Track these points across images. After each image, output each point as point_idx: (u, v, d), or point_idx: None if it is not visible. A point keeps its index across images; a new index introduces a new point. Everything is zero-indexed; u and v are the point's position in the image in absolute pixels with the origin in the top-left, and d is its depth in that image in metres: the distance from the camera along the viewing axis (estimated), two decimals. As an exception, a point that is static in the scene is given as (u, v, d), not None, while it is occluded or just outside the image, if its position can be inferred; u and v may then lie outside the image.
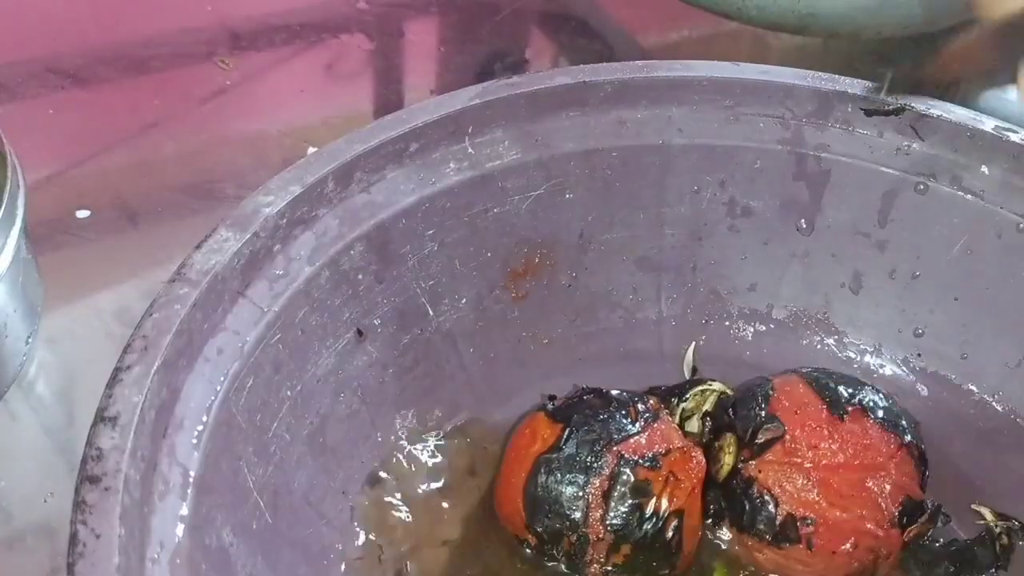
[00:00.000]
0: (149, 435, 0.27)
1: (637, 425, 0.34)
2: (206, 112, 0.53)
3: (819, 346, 0.41)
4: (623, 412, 0.34)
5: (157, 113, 0.52)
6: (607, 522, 0.32)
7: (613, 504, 0.32)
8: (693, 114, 0.39)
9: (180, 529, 0.26)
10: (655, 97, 0.38)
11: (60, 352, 0.42)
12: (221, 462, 0.28)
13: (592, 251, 0.39)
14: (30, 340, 0.42)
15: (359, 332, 0.34)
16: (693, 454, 0.34)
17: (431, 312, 0.37)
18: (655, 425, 0.34)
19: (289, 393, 0.32)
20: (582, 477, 0.33)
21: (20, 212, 0.39)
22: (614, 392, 0.35)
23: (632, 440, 0.33)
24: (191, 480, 0.27)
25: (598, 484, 0.32)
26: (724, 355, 0.41)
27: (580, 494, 0.32)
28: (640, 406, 0.34)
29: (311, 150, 0.34)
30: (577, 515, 0.32)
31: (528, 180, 0.38)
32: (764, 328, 0.41)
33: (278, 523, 0.30)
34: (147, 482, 0.26)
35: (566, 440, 0.33)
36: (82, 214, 0.47)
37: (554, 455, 0.33)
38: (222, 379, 0.29)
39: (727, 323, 0.41)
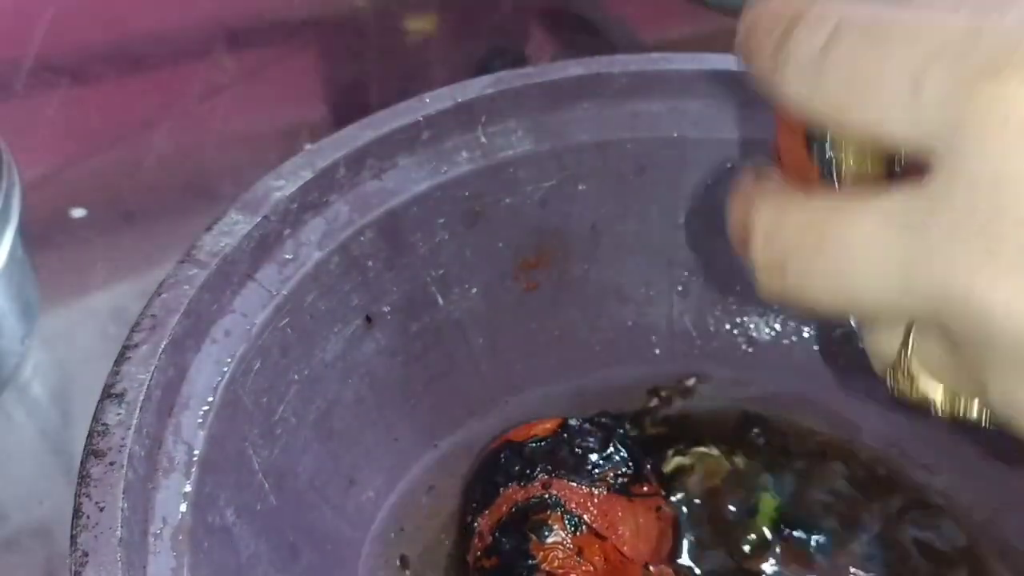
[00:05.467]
0: (155, 412, 0.27)
1: (599, 471, 0.32)
2: (203, 110, 0.53)
3: (833, 344, 0.41)
4: (604, 453, 0.32)
5: (154, 111, 0.52)
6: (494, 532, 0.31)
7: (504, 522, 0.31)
8: (708, 107, 0.38)
9: (183, 506, 0.26)
10: (670, 90, 0.38)
11: (56, 352, 0.42)
12: (226, 442, 0.29)
13: (604, 244, 0.39)
14: (25, 340, 0.41)
15: (368, 319, 0.34)
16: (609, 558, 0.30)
17: (441, 301, 0.37)
18: (614, 495, 0.31)
19: (296, 377, 0.32)
20: (501, 477, 0.32)
21: (15, 211, 0.39)
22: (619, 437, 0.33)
23: (577, 486, 0.31)
24: (195, 459, 0.27)
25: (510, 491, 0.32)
26: (735, 353, 0.40)
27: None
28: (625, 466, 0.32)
29: (308, 148, 0.34)
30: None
31: (541, 171, 0.37)
32: (779, 326, 0.41)
33: (282, 506, 0.30)
34: (152, 459, 0.26)
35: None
36: (78, 213, 0.47)
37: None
38: (229, 360, 0.29)
39: (740, 319, 0.41)
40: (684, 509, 0.34)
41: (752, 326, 0.41)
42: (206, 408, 0.28)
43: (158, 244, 0.45)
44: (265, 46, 0.58)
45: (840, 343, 0.40)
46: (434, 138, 0.35)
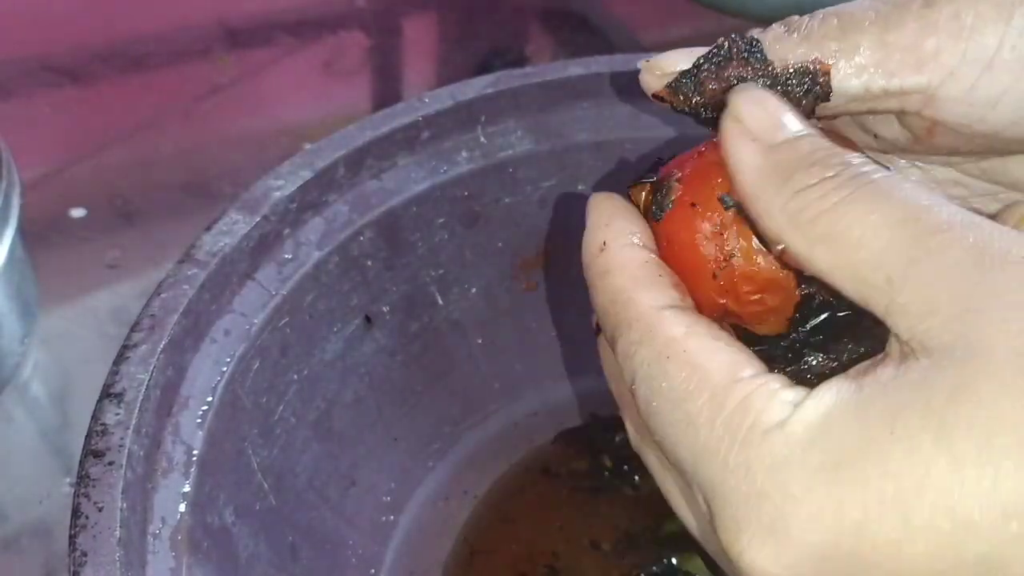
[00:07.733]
0: (154, 412, 0.27)
1: None
2: (203, 110, 0.53)
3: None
4: None
5: (154, 111, 0.52)
6: None
7: None
8: (708, 107, 0.38)
9: (182, 506, 0.26)
10: (670, 89, 0.38)
11: (55, 353, 0.42)
12: (225, 442, 0.29)
13: (604, 244, 0.39)
14: (25, 341, 0.41)
15: (367, 318, 0.34)
16: None
17: (440, 300, 0.36)
18: None
19: (296, 377, 0.32)
20: None
21: (15, 211, 0.38)
22: None
23: None
24: (194, 459, 0.27)
25: None
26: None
27: None
28: None
29: (308, 148, 0.33)
30: None
31: (540, 170, 0.37)
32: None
33: (281, 506, 0.30)
34: (150, 458, 0.26)
35: None
36: (78, 213, 0.47)
37: None
38: (228, 360, 0.29)
39: (740, 320, 0.41)
40: None
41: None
42: (205, 408, 0.28)
43: (158, 244, 0.45)
44: (265, 46, 0.58)
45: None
46: (433, 138, 0.35)
